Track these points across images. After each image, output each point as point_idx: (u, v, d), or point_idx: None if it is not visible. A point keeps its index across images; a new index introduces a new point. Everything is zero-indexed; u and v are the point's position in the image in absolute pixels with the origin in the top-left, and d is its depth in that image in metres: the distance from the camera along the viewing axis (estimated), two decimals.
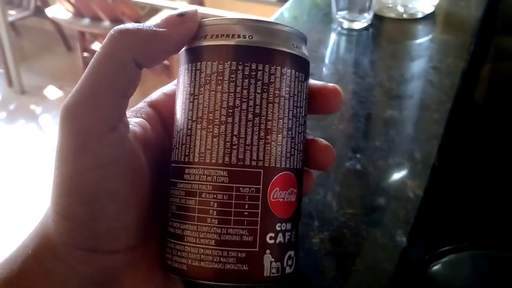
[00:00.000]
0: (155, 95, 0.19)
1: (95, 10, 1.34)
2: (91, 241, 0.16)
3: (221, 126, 0.16)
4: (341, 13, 0.47)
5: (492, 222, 0.35)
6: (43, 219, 0.17)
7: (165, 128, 0.19)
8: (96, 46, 1.55)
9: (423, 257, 0.30)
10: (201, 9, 1.37)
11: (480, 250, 0.30)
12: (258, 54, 0.16)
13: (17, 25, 1.96)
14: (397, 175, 0.30)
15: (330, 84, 0.18)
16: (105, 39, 0.15)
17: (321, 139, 0.18)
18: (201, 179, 0.16)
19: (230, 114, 0.16)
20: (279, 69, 0.16)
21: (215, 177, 0.15)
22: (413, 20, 0.49)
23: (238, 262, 0.15)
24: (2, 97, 1.74)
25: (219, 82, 0.16)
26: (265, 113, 0.16)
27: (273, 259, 0.16)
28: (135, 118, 0.18)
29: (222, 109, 0.16)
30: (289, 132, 0.16)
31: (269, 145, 0.16)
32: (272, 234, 0.16)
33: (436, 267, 0.29)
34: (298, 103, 0.17)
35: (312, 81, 0.18)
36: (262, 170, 0.15)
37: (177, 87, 0.17)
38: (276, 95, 0.16)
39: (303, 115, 0.17)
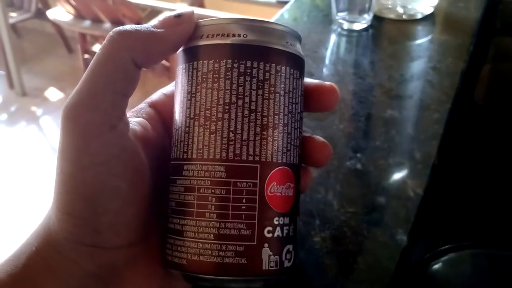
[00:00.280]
0: (156, 95, 0.20)
1: (96, 12, 1.34)
2: (93, 237, 0.16)
3: (218, 122, 0.16)
4: (341, 14, 0.47)
5: (492, 220, 0.35)
6: (46, 217, 0.17)
7: (165, 128, 0.19)
8: (97, 48, 1.56)
9: (423, 256, 0.30)
10: (201, 11, 1.37)
11: (480, 249, 0.31)
12: (253, 52, 0.16)
13: (18, 27, 1.97)
14: (397, 175, 0.31)
15: (327, 83, 0.19)
16: (105, 41, 0.16)
17: (318, 136, 0.19)
18: (199, 175, 0.16)
19: (226, 110, 0.16)
20: (274, 66, 0.16)
21: (213, 172, 0.16)
22: (413, 21, 0.49)
23: (236, 255, 0.15)
24: (3, 99, 1.74)
25: (216, 79, 0.16)
26: (261, 109, 0.16)
27: (271, 253, 0.16)
28: (136, 118, 0.19)
29: (219, 106, 0.16)
30: (285, 128, 0.17)
31: (265, 140, 0.16)
32: (270, 228, 0.16)
33: (436, 266, 0.29)
34: (294, 100, 0.17)
35: (309, 80, 0.19)
36: (259, 165, 0.16)
37: (175, 87, 0.18)
38: (271, 91, 0.16)
39: (299, 111, 0.17)
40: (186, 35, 0.17)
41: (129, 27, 0.16)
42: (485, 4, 0.52)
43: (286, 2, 0.55)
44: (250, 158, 0.16)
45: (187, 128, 0.17)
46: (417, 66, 0.43)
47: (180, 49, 0.17)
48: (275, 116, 0.16)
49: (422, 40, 0.48)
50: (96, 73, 0.16)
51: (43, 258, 0.16)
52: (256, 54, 0.16)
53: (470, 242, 0.30)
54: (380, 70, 0.42)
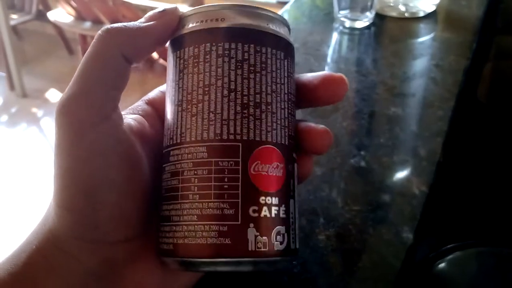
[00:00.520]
0: (153, 93, 0.20)
1: (96, 14, 1.34)
2: (93, 231, 0.16)
3: (199, 104, 0.16)
4: (343, 12, 0.47)
5: (498, 218, 0.35)
6: (46, 214, 0.17)
7: (162, 125, 0.19)
8: None
9: (428, 254, 0.29)
10: None
11: (486, 247, 0.30)
12: (230, 34, 0.16)
13: (19, 29, 1.97)
14: (402, 172, 0.30)
15: (337, 74, 0.19)
16: (94, 39, 0.16)
17: (319, 124, 0.19)
18: (182, 158, 0.16)
19: (206, 92, 0.16)
20: (253, 46, 0.16)
21: (194, 154, 0.16)
22: (415, 19, 0.49)
23: (220, 236, 0.15)
24: (4, 101, 1.74)
25: (195, 64, 0.16)
26: (241, 89, 0.16)
27: (258, 233, 0.15)
28: (132, 114, 0.19)
29: (199, 89, 0.16)
30: (268, 107, 0.16)
31: (246, 119, 0.16)
32: (256, 208, 0.15)
33: (441, 265, 0.29)
34: (278, 80, 0.17)
35: (318, 73, 0.19)
36: (240, 144, 0.16)
37: (166, 82, 0.18)
38: (251, 71, 0.16)
39: (286, 92, 0.17)
40: (170, 27, 0.17)
41: (116, 24, 0.17)
42: (486, 2, 0.52)
43: (286, 3, 0.55)
44: (231, 137, 0.16)
45: (173, 115, 0.17)
46: (420, 64, 0.43)
47: (168, 43, 0.18)
48: (256, 95, 0.16)
49: (424, 38, 0.47)
50: (87, 70, 0.16)
51: (43, 256, 0.16)
52: (234, 36, 0.16)
53: (475, 240, 0.30)
54: (382, 68, 0.42)
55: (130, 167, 0.17)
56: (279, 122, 0.17)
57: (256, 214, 0.15)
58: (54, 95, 1.73)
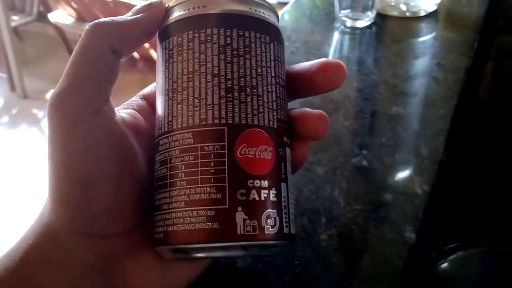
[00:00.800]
0: (148, 88, 0.20)
1: (97, 15, 1.34)
2: (89, 224, 0.16)
3: (183, 92, 0.16)
4: (344, 12, 0.47)
5: (500, 218, 0.35)
6: (42, 211, 0.17)
7: None
8: None
9: (430, 254, 0.29)
10: None
11: (488, 247, 0.30)
12: (212, 20, 0.16)
13: (20, 30, 1.98)
14: (404, 171, 0.30)
15: (334, 60, 0.19)
16: (82, 35, 0.17)
17: (315, 110, 0.19)
18: (170, 146, 0.16)
19: (190, 79, 0.16)
20: (235, 31, 0.16)
21: (181, 140, 0.16)
22: (416, 18, 0.49)
23: (208, 220, 0.15)
24: (5, 102, 1.74)
25: (180, 52, 0.17)
26: (224, 73, 0.16)
27: (246, 217, 0.15)
28: (125, 109, 0.19)
29: (183, 76, 0.16)
30: (254, 90, 0.16)
31: (230, 103, 0.16)
32: (243, 191, 0.15)
33: (444, 265, 0.29)
34: (263, 63, 0.17)
35: (316, 60, 0.19)
36: (225, 128, 0.16)
37: (156, 74, 0.18)
38: (234, 55, 0.16)
39: (273, 75, 0.17)
40: (156, 19, 0.18)
41: (103, 19, 0.17)
42: (488, 2, 0.51)
43: (286, 3, 0.55)
44: (216, 121, 0.16)
45: (161, 105, 0.17)
46: (422, 63, 0.43)
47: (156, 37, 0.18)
48: (241, 79, 0.16)
49: (425, 37, 0.47)
50: (77, 64, 0.16)
51: (40, 251, 0.16)
52: (215, 21, 0.16)
53: (478, 240, 0.30)
54: (384, 67, 0.42)
55: (125, 159, 0.17)
56: (266, 105, 0.17)
57: (244, 198, 0.15)
58: None
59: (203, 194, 0.15)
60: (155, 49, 0.19)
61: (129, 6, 1.30)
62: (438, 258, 0.29)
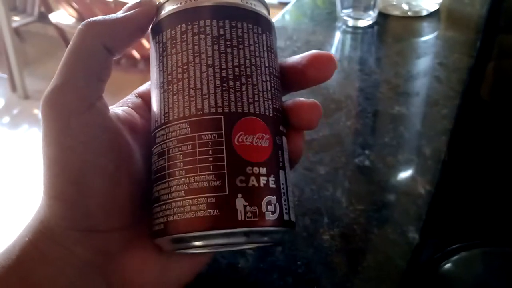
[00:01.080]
0: (143, 87, 0.21)
1: (98, 15, 1.34)
2: (85, 220, 0.16)
3: (179, 83, 0.16)
4: (346, 11, 0.47)
5: (503, 218, 0.35)
6: (38, 208, 0.17)
7: None
8: None
9: (433, 255, 0.29)
10: None
11: (492, 247, 0.30)
12: (204, 12, 0.17)
13: (21, 31, 1.98)
14: (406, 171, 0.30)
15: (325, 52, 0.19)
16: (74, 34, 0.17)
17: (308, 99, 0.19)
18: (167, 137, 0.16)
19: (185, 70, 0.16)
20: (228, 22, 0.17)
21: (178, 131, 0.16)
22: (418, 18, 0.48)
23: (208, 208, 0.15)
24: (6, 102, 1.75)
25: (173, 45, 0.17)
26: (218, 63, 0.16)
27: (247, 203, 0.15)
28: (120, 107, 0.19)
29: (178, 68, 0.16)
30: (249, 79, 0.16)
31: (226, 92, 0.16)
32: (243, 178, 0.15)
33: (447, 266, 0.29)
34: (256, 53, 0.17)
35: (306, 52, 0.19)
36: (222, 116, 0.16)
37: (150, 70, 0.18)
38: (228, 45, 0.16)
39: (267, 65, 0.17)
40: (148, 16, 0.18)
41: (95, 17, 0.17)
42: (489, 1, 0.51)
43: (287, 3, 0.55)
44: (213, 110, 0.16)
45: (156, 98, 0.17)
46: (424, 62, 0.42)
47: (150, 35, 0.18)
48: (235, 68, 0.16)
49: (428, 37, 0.47)
50: (70, 62, 0.16)
51: (37, 249, 0.16)
52: (207, 13, 0.17)
53: (481, 240, 0.30)
54: (386, 66, 0.41)
55: (120, 156, 0.17)
56: (261, 94, 0.17)
57: (243, 184, 0.15)
58: None
59: (202, 182, 0.15)
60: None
61: None
62: (441, 258, 0.29)
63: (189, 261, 0.18)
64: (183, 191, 0.15)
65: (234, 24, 0.17)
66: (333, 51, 0.45)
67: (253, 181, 0.15)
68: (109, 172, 0.16)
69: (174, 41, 0.17)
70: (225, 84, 0.16)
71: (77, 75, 0.16)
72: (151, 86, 0.18)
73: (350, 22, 0.47)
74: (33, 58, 1.95)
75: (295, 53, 0.43)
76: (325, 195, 0.27)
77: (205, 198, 0.15)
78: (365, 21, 0.47)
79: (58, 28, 1.69)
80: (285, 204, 0.16)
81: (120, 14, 0.18)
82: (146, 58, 1.29)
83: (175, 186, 0.15)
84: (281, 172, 0.17)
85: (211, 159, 0.15)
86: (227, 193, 0.15)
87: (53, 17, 1.50)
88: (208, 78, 0.16)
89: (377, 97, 0.37)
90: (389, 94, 0.37)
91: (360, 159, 0.30)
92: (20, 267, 0.16)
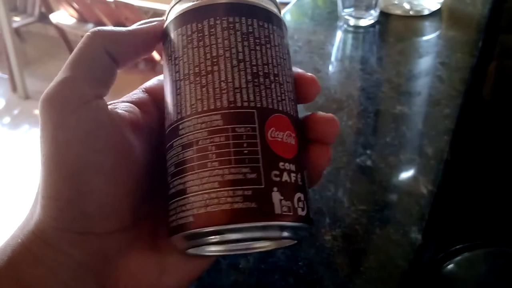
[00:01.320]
0: (150, 82, 0.20)
1: (99, 15, 1.34)
2: (82, 221, 0.16)
3: (208, 75, 0.16)
4: (347, 10, 0.47)
5: (506, 218, 0.34)
6: (32, 209, 0.17)
7: (159, 112, 0.19)
8: None
9: (436, 256, 0.29)
10: None
11: (495, 248, 0.30)
12: (233, 8, 0.17)
13: (21, 31, 1.98)
14: (408, 171, 0.30)
15: (308, 74, 0.18)
16: (81, 39, 0.17)
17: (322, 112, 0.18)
18: (195, 129, 0.16)
19: (215, 63, 0.16)
20: (256, 21, 0.17)
21: (209, 122, 0.16)
22: (420, 17, 0.48)
23: (245, 200, 0.14)
24: (6, 102, 1.75)
25: (200, 38, 0.17)
26: (249, 59, 0.16)
27: (282, 197, 0.15)
28: (122, 103, 0.19)
29: (207, 60, 0.16)
30: (276, 78, 0.17)
31: (258, 87, 0.16)
32: (277, 172, 0.15)
33: (450, 266, 0.29)
34: (280, 54, 0.17)
35: (294, 68, 0.19)
36: (255, 111, 0.16)
37: (163, 68, 0.18)
38: (257, 43, 0.17)
39: (288, 67, 0.18)
40: (155, 31, 0.18)
41: (103, 27, 0.18)
42: (491, 1, 0.51)
43: (287, 3, 0.55)
44: (245, 104, 0.16)
45: (178, 90, 0.17)
46: (426, 62, 0.42)
47: (161, 35, 0.18)
48: (264, 66, 0.16)
49: (429, 36, 0.47)
50: (72, 63, 0.16)
51: (29, 250, 0.15)
52: (237, 10, 0.17)
53: (484, 240, 0.29)
54: (388, 66, 0.41)
55: (118, 152, 0.16)
56: (286, 94, 0.17)
57: (278, 179, 0.15)
58: None
59: (238, 174, 0.15)
60: (157, 50, 0.19)
61: (130, 7, 1.30)
62: (444, 259, 0.29)
63: (188, 266, 0.18)
64: (217, 183, 0.15)
65: (261, 24, 0.17)
66: (334, 50, 0.44)
67: (286, 177, 0.15)
68: (106, 169, 0.16)
69: (201, 34, 0.17)
70: (256, 80, 0.16)
71: (77, 74, 0.16)
72: (166, 80, 0.18)
73: (352, 22, 0.47)
74: (34, 58, 1.95)
75: (296, 52, 0.43)
76: (326, 195, 0.27)
77: (242, 190, 0.15)
78: (367, 21, 0.47)
79: (59, 29, 1.69)
80: (309, 202, 0.17)
81: (129, 27, 0.18)
82: (146, 59, 1.29)
83: (207, 178, 0.15)
84: (304, 172, 0.17)
85: (246, 152, 0.15)
86: (263, 186, 0.15)
87: (54, 17, 1.50)
88: (239, 73, 0.16)
89: (378, 96, 0.37)
90: (391, 93, 0.37)
91: (361, 159, 0.30)
92: (11, 268, 0.15)
